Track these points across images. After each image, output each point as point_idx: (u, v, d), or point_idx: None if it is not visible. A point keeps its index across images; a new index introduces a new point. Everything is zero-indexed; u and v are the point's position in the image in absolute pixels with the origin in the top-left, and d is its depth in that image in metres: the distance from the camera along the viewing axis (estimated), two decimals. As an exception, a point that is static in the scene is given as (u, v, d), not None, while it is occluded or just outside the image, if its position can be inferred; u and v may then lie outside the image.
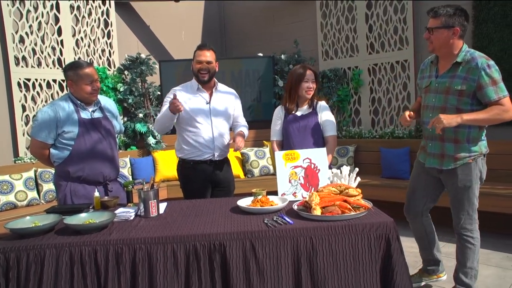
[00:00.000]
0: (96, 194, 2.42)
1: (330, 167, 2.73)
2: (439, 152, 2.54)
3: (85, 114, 2.60)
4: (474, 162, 2.48)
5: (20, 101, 4.60)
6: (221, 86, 3.03)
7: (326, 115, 2.96)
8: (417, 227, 2.82)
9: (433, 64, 2.61)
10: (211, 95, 2.95)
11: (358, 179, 2.40)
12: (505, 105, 2.34)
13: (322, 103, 3.00)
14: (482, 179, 2.55)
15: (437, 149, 2.55)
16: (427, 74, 2.63)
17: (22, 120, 4.62)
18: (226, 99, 3.02)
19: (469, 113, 2.38)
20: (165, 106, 2.85)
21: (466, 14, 2.41)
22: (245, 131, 3.08)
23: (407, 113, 2.63)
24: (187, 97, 2.90)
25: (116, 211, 2.25)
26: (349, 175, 2.40)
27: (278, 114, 3.07)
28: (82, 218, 2.06)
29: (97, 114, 2.67)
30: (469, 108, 2.41)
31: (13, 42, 4.54)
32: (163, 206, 2.38)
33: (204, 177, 2.92)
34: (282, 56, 5.85)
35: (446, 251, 3.67)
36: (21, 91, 4.62)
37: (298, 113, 2.98)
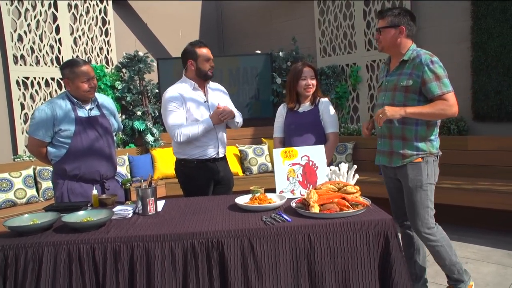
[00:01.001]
0: (94, 192, 2.42)
1: (331, 164, 2.73)
2: (388, 149, 2.55)
3: (82, 112, 2.60)
4: (424, 162, 2.46)
5: (18, 100, 4.60)
6: (210, 83, 3.03)
7: (327, 112, 2.94)
8: (406, 232, 2.71)
9: (386, 64, 2.67)
10: (205, 92, 2.95)
11: (357, 176, 2.40)
12: (449, 100, 2.35)
13: (324, 100, 2.99)
14: (434, 180, 2.50)
15: (386, 146, 2.56)
16: (382, 75, 2.69)
17: (21, 118, 4.61)
18: (219, 95, 3.04)
19: (413, 106, 2.40)
20: (172, 109, 2.79)
21: (412, 14, 2.51)
22: (238, 114, 3.02)
23: (365, 125, 2.65)
24: (187, 94, 2.87)
25: (114, 209, 2.24)
26: (347, 172, 2.40)
27: (281, 111, 3.07)
28: (80, 216, 2.06)
29: (94, 112, 2.66)
30: (416, 105, 2.42)
31: (12, 41, 4.53)
32: (161, 204, 2.38)
33: (208, 175, 2.92)
34: (280, 54, 5.84)
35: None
36: (19, 90, 4.61)
37: (300, 110, 2.98)
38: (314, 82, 2.93)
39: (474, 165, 4.30)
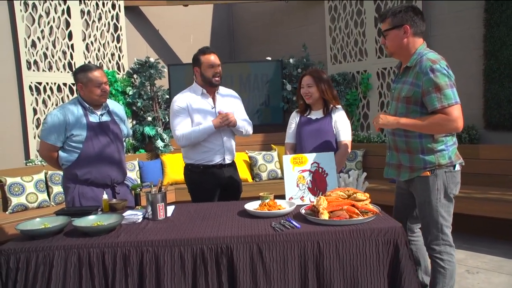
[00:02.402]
0: (105, 196, 2.44)
1: (341, 171, 2.71)
2: (396, 162, 2.38)
3: (93, 118, 2.63)
4: (432, 176, 2.24)
5: (31, 105, 4.66)
6: (222, 89, 3.03)
7: (340, 120, 2.90)
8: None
9: (397, 68, 2.49)
10: (214, 98, 2.96)
11: (366, 183, 2.39)
12: (450, 115, 2.09)
13: (338, 108, 2.96)
14: (450, 194, 2.28)
15: (394, 159, 2.40)
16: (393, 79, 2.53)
17: (33, 123, 4.67)
18: (229, 101, 3.03)
19: (409, 118, 2.22)
20: (179, 118, 2.85)
21: (416, 10, 2.25)
22: (243, 123, 2.98)
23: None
24: (195, 102, 2.90)
25: (124, 214, 2.26)
26: (357, 180, 2.39)
27: (294, 117, 3.07)
28: (91, 220, 2.08)
29: (105, 118, 2.69)
30: (418, 117, 2.21)
31: (25, 47, 4.61)
32: (170, 209, 2.39)
33: (214, 181, 2.93)
34: (291, 60, 5.85)
35: (457, 257, 3.62)
36: (32, 95, 4.68)
37: (313, 117, 2.97)
38: (311, 90, 2.87)
39: (486, 174, 4.25)
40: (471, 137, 4.45)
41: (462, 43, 4.60)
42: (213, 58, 2.85)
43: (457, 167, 2.31)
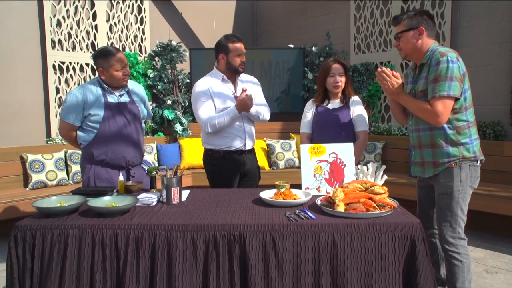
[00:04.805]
0: (121, 178, 2.45)
1: (359, 163, 2.66)
2: (420, 160, 2.44)
3: (112, 98, 2.63)
4: (457, 167, 2.30)
5: (54, 83, 4.72)
6: (242, 75, 3.00)
7: (358, 110, 2.88)
8: (429, 240, 2.59)
9: (412, 70, 2.56)
10: (235, 84, 2.94)
11: (385, 176, 2.33)
12: (434, 107, 2.21)
13: (355, 98, 2.93)
14: (469, 187, 2.34)
15: (417, 157, 2.46)
16: (409, 80, 2.56)
17: (55, 102, 4.74)
18: (249, 87, 2.99)
19: (410, 97, 2.37)
20: (200, 102, 2.82)
21: (428, 14, 2.37)
22: (259, 108, 2.93)
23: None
24: (216, 87, 2.88)
25: (139, 196, 2.26)
26: (375, 172, 2.33)
27: (309, 106, 3.02)
28: (105, 201, 2.09)
29: (124, 98, 2.69)
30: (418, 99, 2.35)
31: (51, 26, 4.65)
32: (185, 194, 2.39)
33: (234, 168, 2.91)
34: (313, 48, 5.75)
35: (473, 256, 3.54)
36: (55, 74, 4.74)
37: (330, 107, 2.92)
38: (342, 79, 2.85)
39: (510, 172, 4.12)
40: (496, 133, 4.30)
41: (492, 36, 4.42)
42: (241, 47, 2.84)
43: (479, 163, 2.38)
